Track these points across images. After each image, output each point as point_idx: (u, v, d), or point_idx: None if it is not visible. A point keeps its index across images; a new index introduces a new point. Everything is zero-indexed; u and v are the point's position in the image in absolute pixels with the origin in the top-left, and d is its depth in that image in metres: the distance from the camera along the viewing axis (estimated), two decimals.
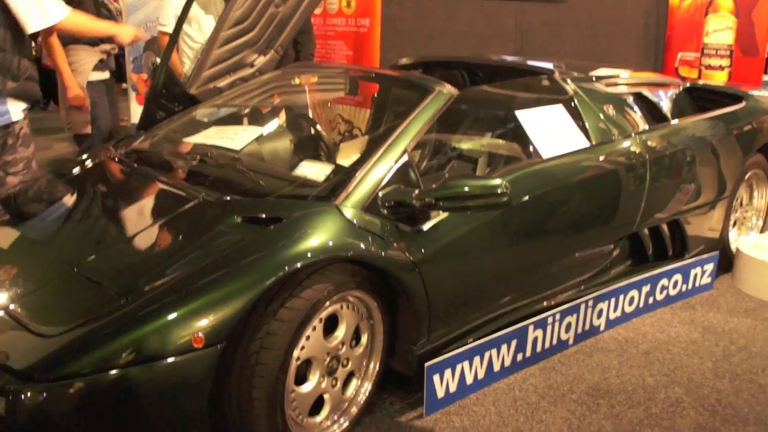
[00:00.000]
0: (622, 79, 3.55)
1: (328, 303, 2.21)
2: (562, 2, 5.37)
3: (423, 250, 2.41)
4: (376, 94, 3.97)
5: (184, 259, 2.15)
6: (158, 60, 3.66)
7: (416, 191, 2.38)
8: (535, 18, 5.37)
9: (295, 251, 2.12)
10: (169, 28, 4.32)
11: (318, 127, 3.28)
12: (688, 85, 3.95)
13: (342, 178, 2.44)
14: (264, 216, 2.26)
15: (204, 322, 1.95)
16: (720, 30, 5.19)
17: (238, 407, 2.09)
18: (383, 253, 2.29)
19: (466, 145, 3.50)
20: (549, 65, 3.49)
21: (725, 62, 5.22)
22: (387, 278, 2.38)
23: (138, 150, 2.94)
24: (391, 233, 2.36)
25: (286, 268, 2.07)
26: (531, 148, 2.98)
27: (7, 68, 3.09)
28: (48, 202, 2.78)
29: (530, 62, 3.63)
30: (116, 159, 2.90)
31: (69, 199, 2.76)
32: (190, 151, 2.81)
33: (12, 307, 2.10)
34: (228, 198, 2.40)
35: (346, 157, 3.28)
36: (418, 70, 3.86)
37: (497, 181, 2.35)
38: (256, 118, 3.42)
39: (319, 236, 2.19)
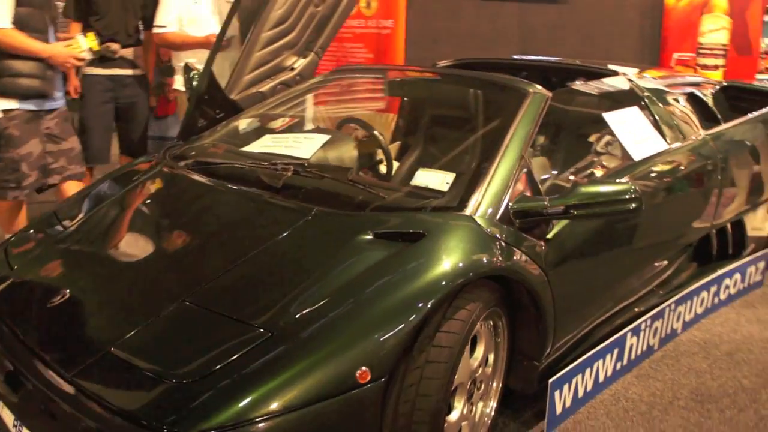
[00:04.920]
0: (676, 80, 3.54)
1: (478, 324, 2.04)
2: (563, 3, 5.35)
3: (549, 260, 2.28)
4: (405, 98, 3.80)
5: (324, 281, 1.93)
6: (192, 62, 3.40)
7: (547, 200, 2.25)
8: (536, 19, 5.34)
9: (450, 269, 1.94)
10: (169, 29, 4.10)
11: (376, 132, 3.09)
12: (724, 83, 3.98)
13: (467, 187, 2.27)
14: (401, 232, 2.06)
15: (369, 355, 1.76)
16: (715, 30, 5.30)
17: None
18: (525, 267, 2.15)
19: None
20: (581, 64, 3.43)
21: (720, 62, 5.34)
22: (512, 293, 2.24)
23: (205, 162, 2.67)
24: (524, 244, 2.21)
25: (447, 288, 1.89)
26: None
27: None
28: (119, 217, 2.47)
29: (580, 63, 3.56)
30: (186, 170, 2.62)
31: (145, 216, 2.47)
32: (275, 162, 2.54)
33: (118, 345, 1.83)
34: (349, 213, 2.19)
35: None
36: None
37: (628, 186, 2.25)
38: (310, 125, 3.20)
39: (469, 252, 2.03)
